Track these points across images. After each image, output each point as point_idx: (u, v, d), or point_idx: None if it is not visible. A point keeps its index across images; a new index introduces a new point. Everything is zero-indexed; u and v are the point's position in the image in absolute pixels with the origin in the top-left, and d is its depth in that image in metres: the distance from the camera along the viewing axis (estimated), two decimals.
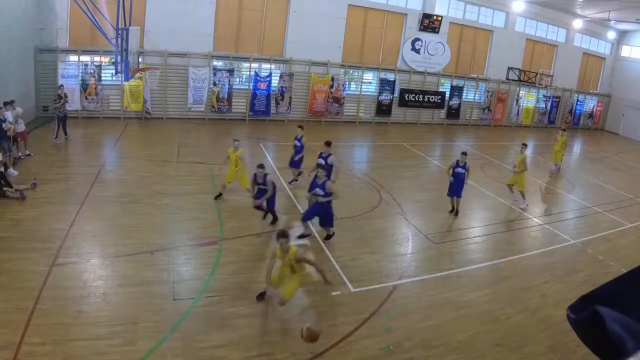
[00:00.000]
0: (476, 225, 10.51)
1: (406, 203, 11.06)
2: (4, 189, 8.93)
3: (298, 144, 11.28)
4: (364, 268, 7.75)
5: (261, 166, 8.46)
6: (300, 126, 11.63)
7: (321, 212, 8.28)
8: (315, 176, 8.18)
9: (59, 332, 5.30)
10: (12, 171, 10.14)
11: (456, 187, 10.36)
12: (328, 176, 8.31)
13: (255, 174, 8.50)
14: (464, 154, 10.33)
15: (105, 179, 10.68)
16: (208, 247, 7.84)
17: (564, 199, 13.48)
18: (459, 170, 10.21)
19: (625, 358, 2.59)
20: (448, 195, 10.59)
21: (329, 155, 9.89)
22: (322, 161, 9.70)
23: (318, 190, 8.06)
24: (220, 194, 9.97)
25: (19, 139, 11.20)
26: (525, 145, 12.14)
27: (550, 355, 6.03)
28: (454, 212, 10.65)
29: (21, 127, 11.32)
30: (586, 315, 3.03)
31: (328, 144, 10.08)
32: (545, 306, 7.12)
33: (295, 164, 11.31)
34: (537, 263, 8.71)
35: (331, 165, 9.73)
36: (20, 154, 11.30)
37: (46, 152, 12.21)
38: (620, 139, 27.62)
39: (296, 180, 11.52)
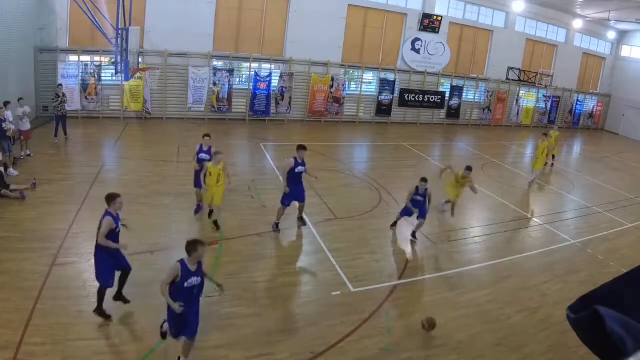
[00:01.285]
0: (476, 225, 10.52)
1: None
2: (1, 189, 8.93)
3: (206, 157, 8.68)
4: (364, 268, 7.76)
5: (195, 245, 4.79)
6: (207, 135, 9.00)
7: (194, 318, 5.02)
8: (183, 262, 4.77)
9: (59, 332, 5.30)
10: (12, 171, 10.14)
11: (416, 211, 8.86)
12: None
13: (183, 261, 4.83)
14: (424, 180, 8.72)
15: (105, 179, 10.67)
16: (208, 247, 7.82)
17: (564, 199, 13.48)
18: (418, 198, 8.79)
19: (625, 358, 2.59)
20: (402, 214, 9.19)
21: (303, 161, 8.52)
22: (302, 168, 8.47)
23: (193, 280, 4.85)
24: (212, 211, 8.75)
25: (22, 138, 11.18)
26: (470, 169, 9.91)
27: (550, 355, 6.03)
28: (395, 225, 9.43)
29: (26, 126, 11.32)
30: (586, 315, 3.03)
31: (304, 148, 8.44)
32: (545, 306, 7.13)
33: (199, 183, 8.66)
34: (537, 263, 8.71)
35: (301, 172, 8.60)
36: (22, 153, 11.30)
37: (46, 152, 12.20)
38: (620, 139, 27.62)
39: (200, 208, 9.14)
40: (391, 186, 12.21)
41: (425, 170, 15.11)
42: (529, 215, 11.42)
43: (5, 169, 10.00)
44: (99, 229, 5.46)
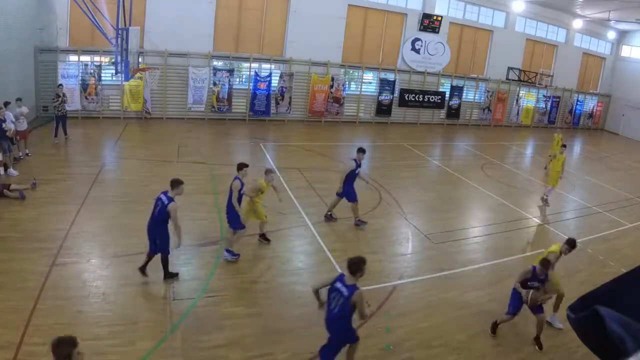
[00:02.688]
0: (476, 225, 10.51)
1: (406, 203, 11.06)
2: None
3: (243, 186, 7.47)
4: None
5: (362, 264, 4.62)
6: (245, 165, 7.52)
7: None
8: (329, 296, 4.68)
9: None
10: (12, 171, 10.14)
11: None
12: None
13: None
14: (545, 266, 6.22)
15: (105, 179, 10.68)
16: (208, 247, 7.83)
17: (564, 199, 13.47)
18: (534, 284, 6.29)
19: (625, 358, 2.59)
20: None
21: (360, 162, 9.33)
22: (359, 170, 9.20)
23: None
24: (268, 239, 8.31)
25: (18, 138, 11.17)
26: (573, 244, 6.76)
27: (550, 355, 6.04)
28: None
29: (23, 126, 11.31)
30: (586, 315, 3.04)
31: (364, 150, 9.30)
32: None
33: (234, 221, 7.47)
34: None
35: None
36: (20, 153, 11.29)
37: (46, 152, 12.20)
38: (620, 139, 27.62)
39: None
40: (391, 186, 12.21)
41: (426, 170, 15.13)
42: (529, 215, 11.41)
43: (5, 169, 10.01)
44: (162, 212, 6.28)
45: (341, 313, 4.53)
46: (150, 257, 6.67)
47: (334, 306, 4.58)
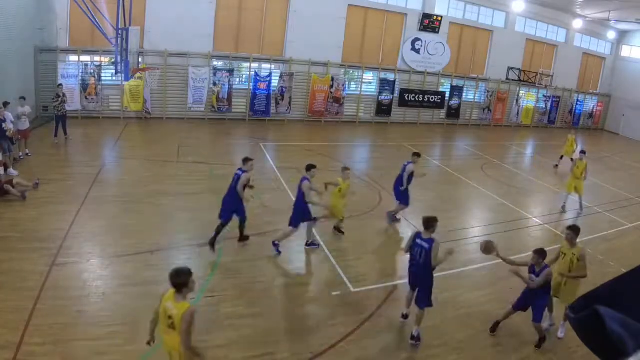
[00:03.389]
0: (476, 225, 10.51)
1: None
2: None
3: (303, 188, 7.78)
4: (364, 268, 7.76)
5: (434, 222, 5.89)
6: (313, 166, 7.91)
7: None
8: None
9: (59, 332, 5.31)
10: (12, 171, 10.13)
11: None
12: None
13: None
14: (541, 255, 5.99)
15: (105, 179, 10.68)
16: (208, 247, 7.82)
17: (564, 199, 13.44)
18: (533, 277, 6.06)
19: (625, 358, 2.59)
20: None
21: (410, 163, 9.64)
22: (409, 168, 9.56)
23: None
24: (342, 231, 8.84)
25: (19, 137, 11.17)
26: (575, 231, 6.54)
27: (550, 355, 6.04)
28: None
29: (25, 125, 11.30)
30: (586, 315, 3.03)
31: (419, 155, 9.80)
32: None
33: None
34: None
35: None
36: (20, 153, 11.29)
37: (46, 152, 12.20)
38: (620, 139, 27.61)
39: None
40: (391, 186, 12.17)
41: (426, 170, 15.09)
42: (529, 215, 11.41)
43: (5, 169, 10.01)
44: (237, 182, 7.43)
45: (427, 262, 5.65)
46: (220, 228, 7.61)
47: (419, 258, 5.70)
